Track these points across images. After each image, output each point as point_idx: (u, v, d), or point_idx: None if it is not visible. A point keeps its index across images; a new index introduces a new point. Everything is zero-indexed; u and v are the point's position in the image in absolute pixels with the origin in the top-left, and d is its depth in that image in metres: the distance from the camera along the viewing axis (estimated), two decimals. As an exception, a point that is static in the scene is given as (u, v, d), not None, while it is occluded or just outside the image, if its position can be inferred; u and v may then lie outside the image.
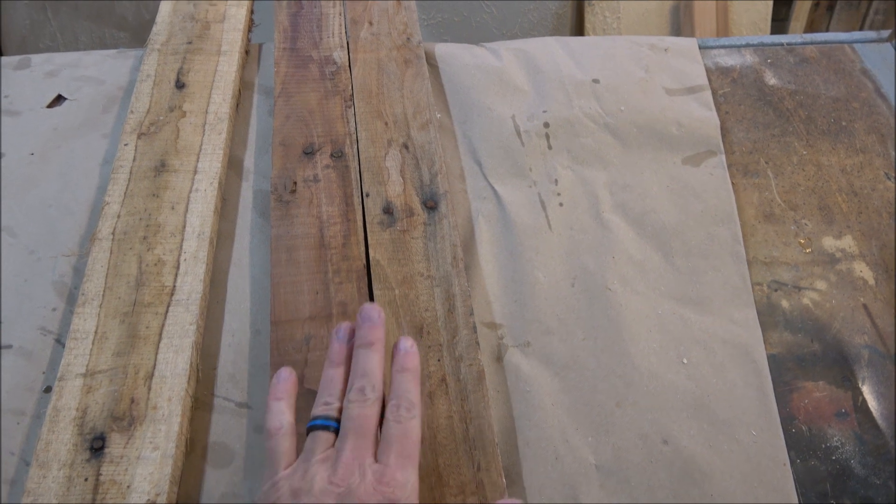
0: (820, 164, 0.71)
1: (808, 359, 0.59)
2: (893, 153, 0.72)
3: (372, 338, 0.50)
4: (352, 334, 0.51)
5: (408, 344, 0.50)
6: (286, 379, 0.50)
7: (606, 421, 0.55)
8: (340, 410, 0.48)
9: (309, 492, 0.44)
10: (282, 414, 0.48)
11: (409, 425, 0.46)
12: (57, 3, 1.59)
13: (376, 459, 0.45)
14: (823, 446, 0.55)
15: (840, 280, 0.63)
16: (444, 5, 1.67)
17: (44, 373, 0.56)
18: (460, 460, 0.51)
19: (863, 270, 0.64)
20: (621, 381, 0.57)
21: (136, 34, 1.64)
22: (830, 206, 0.68)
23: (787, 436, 0.55)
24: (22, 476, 0.52)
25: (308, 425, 0.48)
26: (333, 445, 0.46)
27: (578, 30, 1.79)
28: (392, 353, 0.51)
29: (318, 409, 0.48)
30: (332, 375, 0.49)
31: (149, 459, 0.50)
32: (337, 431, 0.47)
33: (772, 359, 0.59)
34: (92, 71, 0.76)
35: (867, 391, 0.57)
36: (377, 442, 0.46)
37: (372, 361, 0.49)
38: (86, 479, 0.49)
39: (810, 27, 1.93)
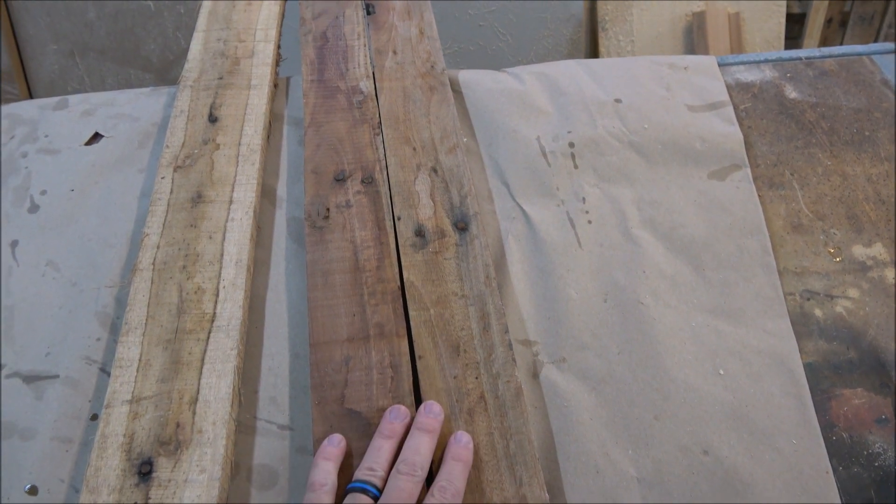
0: (845, 173, 0.71)
1: (844, 366, 0.59)
2: (918, 161, 0.72)
3: (431, 427, 0.52)
4: (405, 416, 0.53)
5: (466, 438, 0.52)
6: (337, 444, 0.52)
7: (645, 434, 0.55)
8: (383, 480, 0.50)
9: None
10: (328, 474, 0.50)
11: None
12: (84, 48, 1.64)
13: None
14: (865, 453, 0.55)
15: (872, 287, 0.64)
16: (461, 35, 1.70)
17: (90, 401, 0.58)
18: (502, 476, 0.51)
19: (894, 277, 0.64)
20: (658, 394, 0.57)
21: (161, 74, 1.68)
22: (858, 215, 0.68)
23: (827, 444, 0.55)
24: (72, 502, 0.53)
25: (349, 486, 0.49)
26: None
27: (593, 54, 1.81)
28: (448, 440, 0.52)
29: (362, 473, 0.50)
30: (381, 445, 0.51)
31: (196, 482, 0.51)
32: (375, 498, 0.48)
33: (808, 367, 0.59)
34: (127, 109, 0.79)
35: (907, 397, 0.57)
36: None
37: (426, 445, 0.51)
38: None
39: (824, 44, 1.95)
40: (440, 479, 0.49)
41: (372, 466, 0.50)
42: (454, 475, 0.49)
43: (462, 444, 0.52)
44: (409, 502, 0.48)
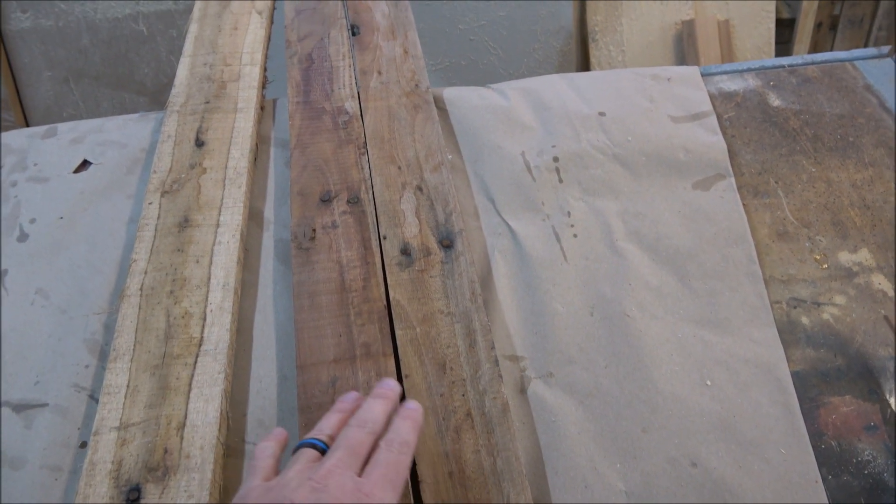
0: (830, 180, 0.72)
1: (832, 374, 0.59)
2: (903, 165, 0.72)
3: (385, 393, 0.50)
4: (358, 398, 0.51)
5: (416, 404, 0.50)
6: (278, 434, 0.50)
7: (633, 447, 0.55)
8: (331, 439, 0.47)
9: (284, 486, 0.43)
10: (269, 448, 0.48)
11: (400, 458, 0.45)
12: (78, 74, 1.65)
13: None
14: (855, 461, 0.55)
15: (859, 293, 0.64)
16: (452, 50, 1.71)
17: (79, 429, 0.58)
18: (490, 493, 0.51)
19: (881, 282, 0.64)
20: (646, 407, 0.57)
21: (155, 98, 1.69)
22: (844, 221, 0.68)
23: (816, 452, 0.55)
24: (62, 531, 0.53)
25: (296, 446, 0.47)
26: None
27: (584, 66, 1.82)
28: (398, 408, 0.50)
29: (309, 435, 0.48)
30: (331, 417, 0.50)
31: (184, 508, 0.51)
32: (324, 452, 0.46)
33: (795, 376, 0.59)
34: (115, 135, 0.79)
35: (895, 403, 0.57)
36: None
37: (379, 406, 0.49)
38: (124, 531, 0.50)
39: (814, 48, 1.95)
40: (388, 434, 0.47)
41: (321, 428, 0.48)
42: (402, 430, 0.47)
43: (411, 407, 0.49)
44: (359, 450, 0.45)
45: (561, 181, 0.72)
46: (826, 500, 0.53)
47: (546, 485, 0.54)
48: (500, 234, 0.68)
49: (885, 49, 0.84)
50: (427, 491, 0.51)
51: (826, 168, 0.73)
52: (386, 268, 0.64)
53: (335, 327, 0.60)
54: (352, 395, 0.52)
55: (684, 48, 1.78)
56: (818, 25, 1.92)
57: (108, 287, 0.66)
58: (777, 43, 1.85)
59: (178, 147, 0.74)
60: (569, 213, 0.69)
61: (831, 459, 0.55)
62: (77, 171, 0.76)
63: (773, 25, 1.81)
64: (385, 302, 0.61)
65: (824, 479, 0.54)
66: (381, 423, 0.48)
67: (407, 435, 0.47)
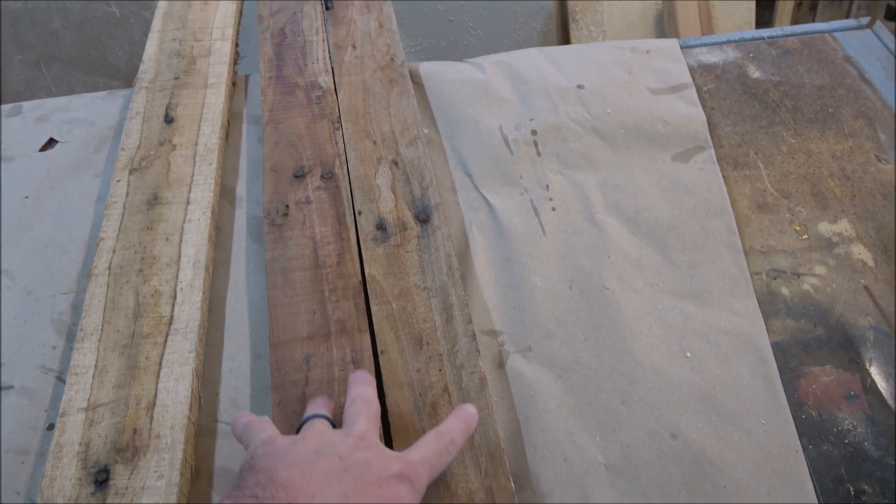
0: (810, 151, 0.71)
1: (812, 344, 0.59)
2: (883, 136, 0.72)
3: (366, 379, 0.50)
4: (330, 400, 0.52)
5: (474, 409, 0.49)
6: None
7: (613, 419, 0.54)
8: (333, 415, 0.48)
9: (328, 441, 0.43)
10: (263, 418, 0.48)
11: (444, 453, 0.46)
12: (50, 58, 1.62)
13: None
14: (835, 430, 0.54)
15: (839, 264, 0.63)
16: (431, 31, 1.69)
17: (46, 411, 0.56)
18: (467, 468, 0.50)
19: (861, 252, 0.64)
20: (625, 379, 0.56)
21: (129, 81, 1.66)
22: (823, 192, 0.68)
23: (797, 422, 0.54)
24: (28, 515, 0.51)
25: (301, 422, 0.47)
26: None
27: (565, 46, 1.81)
28: (456, 408, 0.50)
29: (309, 412, 0.48)
30: (318, 400, 0.50)
31: (154, 489, 0.49)
32: (334, 425, 0.46)
33: (776, 346, 0.58)
34: (82, 113, 0.77)
35: (875, 372, 0.57)
36: None
37: (367, 389, 0.49)
38: (91, 512, 0.48)
39: (795, 27, 1.94)
40: (440, 427, 0.47)
41: (320, 404, 0.49)
42: (454, 429, 0.47)
43: (469, 411, 0.49)
44: (375, 421, 0.46)
45: (539, 154, 0.70)
46: (807, 470, 0.52)
47: (525, 459, 0.53)
48: (477, 208, 0.67)
49: (865, 20, 0.84)
50: (403, 467, 0.50)
51: (806, 139, 0.72)
52: (361, 243, 0.62)
53: (309, 304, 0.59)
54: (321, 399, 0.51)
55: (665, 28, 1.77)
56: (798, 4, 1.92)
57: (76, 267, 0.64)
58: (757, 23, 1.84)
59: (146, 124, 0.72)
60: (547, 186, 0.68)
61: (812, 429, 0.54)
62: (43, 149, 0.74)
63: (753, 5, 1.80)
64: (360, 278, 0.60)
65: (805, 449, 0.53)
66: (376, 402, 0.49)
67: (457, 435, 0.47)
